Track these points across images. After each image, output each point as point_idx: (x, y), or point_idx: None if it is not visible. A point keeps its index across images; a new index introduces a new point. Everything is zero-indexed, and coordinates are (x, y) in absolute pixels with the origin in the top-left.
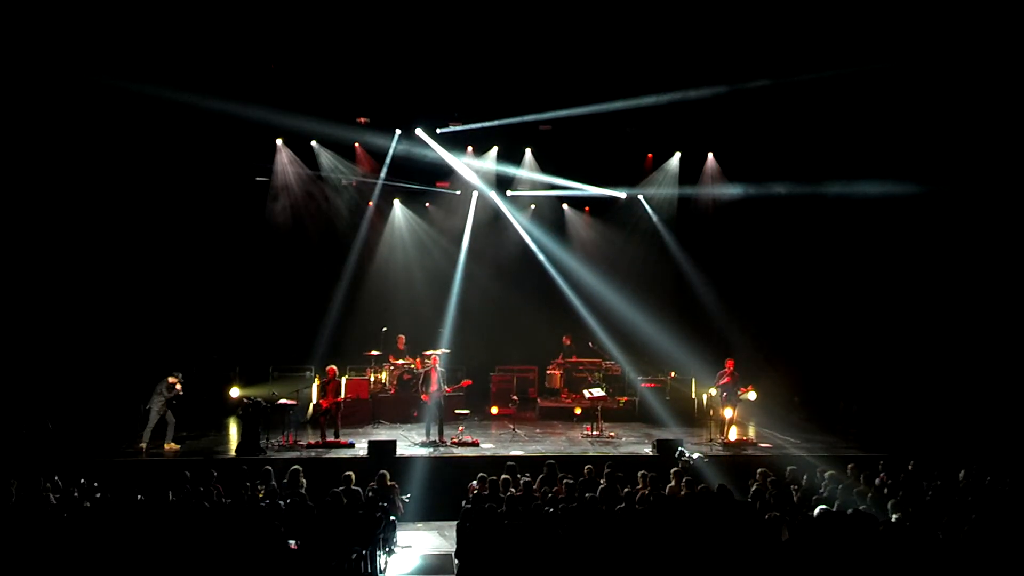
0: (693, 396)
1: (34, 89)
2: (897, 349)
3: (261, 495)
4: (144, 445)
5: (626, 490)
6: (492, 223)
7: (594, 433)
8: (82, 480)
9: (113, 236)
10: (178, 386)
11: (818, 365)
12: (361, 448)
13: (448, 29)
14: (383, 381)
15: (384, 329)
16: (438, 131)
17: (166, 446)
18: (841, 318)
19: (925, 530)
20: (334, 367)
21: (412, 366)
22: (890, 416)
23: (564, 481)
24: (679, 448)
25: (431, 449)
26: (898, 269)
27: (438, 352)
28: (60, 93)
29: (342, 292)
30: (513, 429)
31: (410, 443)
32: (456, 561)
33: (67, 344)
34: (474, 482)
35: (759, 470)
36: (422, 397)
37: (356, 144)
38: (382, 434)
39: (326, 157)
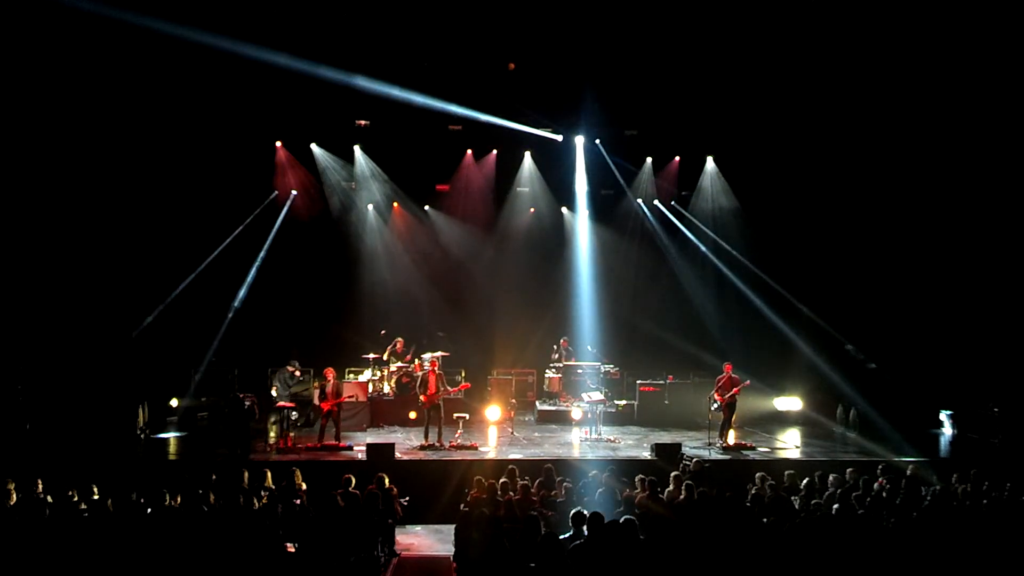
0: (692, 400)
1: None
2: (897, 351)
3: (264, 501)
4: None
5: (624, 493)
6: (492, 226)
7: (593, 437)
8: (78, 482)
9: (116, 238)
10: (297, 373)
11: (818, 367)
12: (360, 451)
13: (449, 30)
14: (382, 384)
15: (383, 332)
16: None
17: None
18: (841, 319)
19: (922, 535)
20: (332, 369)
21: (411, 369)
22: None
23: (563, 485)
24: (681, 452)
25: (429, 452)
26: (898, 269)
27: (436, 355)
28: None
29: (340, 295)
30: (512, 432)
31: (409, 446)
32: (454, 564)
33: (66, 344)
34: (473, 485)
35: (758, 474)
36: (421, 400)
37: (356, 147)
38: (381, 437)
39: (325, 160)
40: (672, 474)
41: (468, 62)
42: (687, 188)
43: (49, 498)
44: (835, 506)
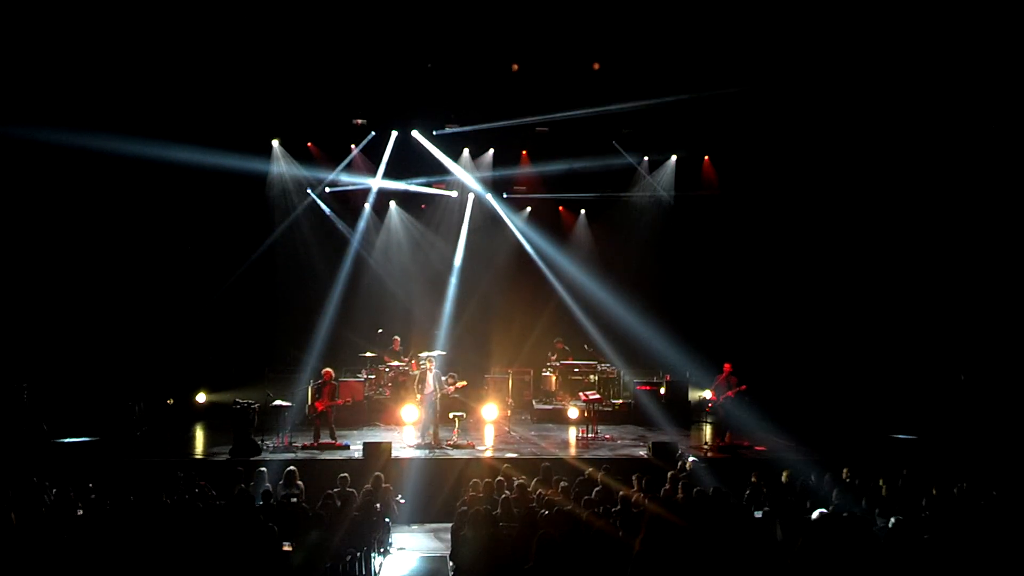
0: (689, 399)
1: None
2: (896, 353)
3: (260, 500)
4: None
5: (621, 493)
6: (488, 225)
7: (589, 436)
8: (76, 482)
9: (113, 235)
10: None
11: (814, 367)
12: (356, 450)
13: (446, 29)
14: (378, 383)
15: (380, 331)
16: (434, 133)
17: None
18: (840, 317)
19: (918, 535)
20: (330, 370)
21: (407, 368)
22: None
23: (559, 484)
24: (679, 451)
25: (426, 451)
26: (899, 268)
27: (433, 354)
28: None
29: (338, 294)
30: (508, 431)
31: (405, 445)
32: (451, 563)
33: (64, 345)
34: (469, 485)
35: (754, 473)
36: (417, 399)
37: (352, 145)
38: (377, 436)
39: (320, 158)
40: (668, 473)
41: (468, 60)
42: (684, 187)
43: (47, 497)
44: (832, 505)
